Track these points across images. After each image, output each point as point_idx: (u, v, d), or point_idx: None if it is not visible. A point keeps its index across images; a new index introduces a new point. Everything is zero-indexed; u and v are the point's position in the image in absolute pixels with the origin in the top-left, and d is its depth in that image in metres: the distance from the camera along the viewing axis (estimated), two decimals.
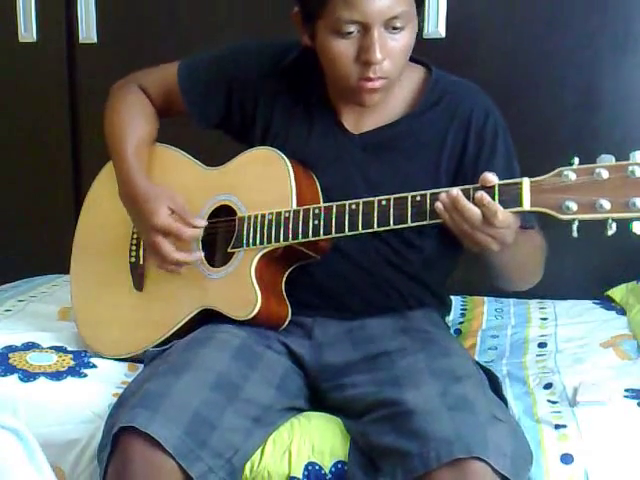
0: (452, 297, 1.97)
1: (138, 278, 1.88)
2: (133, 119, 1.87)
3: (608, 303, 2.37)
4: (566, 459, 1.56)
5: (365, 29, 1.58)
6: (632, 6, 2.48)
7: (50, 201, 2.91)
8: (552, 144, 2.49)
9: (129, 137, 1.85)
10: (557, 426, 1.62)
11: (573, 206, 1.41)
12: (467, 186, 1.50)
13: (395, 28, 1.59)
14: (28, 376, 1.79)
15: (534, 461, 1.52)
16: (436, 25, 2.52)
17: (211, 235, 1.79)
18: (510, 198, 1.46)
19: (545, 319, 2.28)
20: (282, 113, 1.78)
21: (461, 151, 1.72)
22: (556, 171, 1.43)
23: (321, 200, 1.71)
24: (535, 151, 2.43)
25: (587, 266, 2.55)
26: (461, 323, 2.27)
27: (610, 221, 1.39)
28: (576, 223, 1.41)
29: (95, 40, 2.80)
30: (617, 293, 2.38)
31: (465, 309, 2.37)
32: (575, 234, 1.41)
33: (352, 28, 1.58)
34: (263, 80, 1.79)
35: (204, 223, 1.77)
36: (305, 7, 1.64)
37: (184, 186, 1.82)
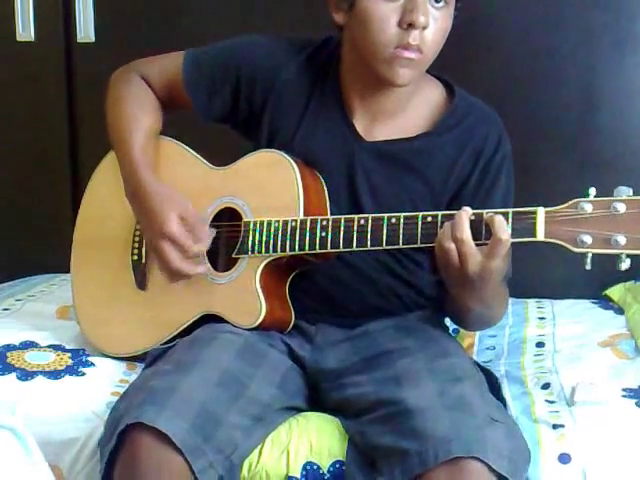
0: None
1: (141, 276, 1.85)
2: (138, 111, 1.81)
3: (606, 302, 2.37)
4: (564, 459, 1.56)
5: None
6: (633, 4, 2.49)
7: (48, 200, 2.89)
8: (552, 142, 2.49)
9: (135, 132, 1.78)
10: (555, 426, 1.62)
11: (588, 240, 1.39)
12: (479, 211, 1.47)
13: (438, 1, 1.59)
14: (26, 375, 1.78)
15: (532, 461, 1.52)
16: None
17: (215, 237, 1.75)
18: (523, 227, 1.43)
19: (543, 318, 2.28)
20: (291, 110, 1.74)
21: (465, 178, 1.69)
22: (571, 202, 1.41)
23: (328, 206, 1.69)
24: (535, 150, 2.44)
25: (585, 265, 2.54)
26: None
27: (624, 256, 1.38)
28: (590, 256, 1.40)
29: (93, 39, 2.78)
30: (615, 292, 2.38)
31: None
32: (589, 267, 1.40)
33: None
34: (273, 75, 1.74)
35: (213, 233, 1.72)
36: None
37: (188, 184, 1.79)
